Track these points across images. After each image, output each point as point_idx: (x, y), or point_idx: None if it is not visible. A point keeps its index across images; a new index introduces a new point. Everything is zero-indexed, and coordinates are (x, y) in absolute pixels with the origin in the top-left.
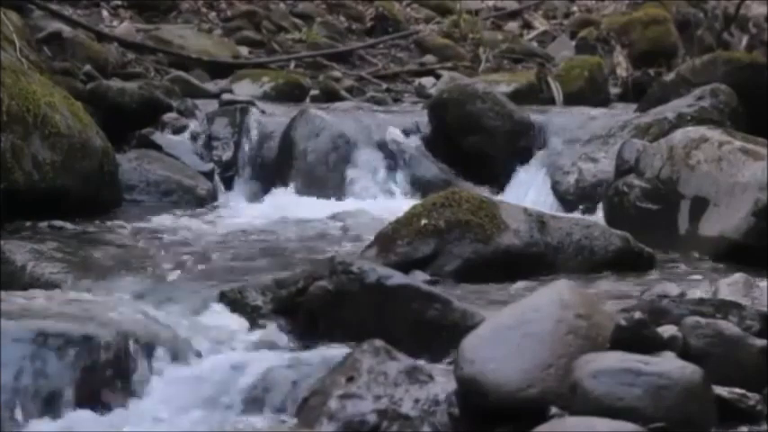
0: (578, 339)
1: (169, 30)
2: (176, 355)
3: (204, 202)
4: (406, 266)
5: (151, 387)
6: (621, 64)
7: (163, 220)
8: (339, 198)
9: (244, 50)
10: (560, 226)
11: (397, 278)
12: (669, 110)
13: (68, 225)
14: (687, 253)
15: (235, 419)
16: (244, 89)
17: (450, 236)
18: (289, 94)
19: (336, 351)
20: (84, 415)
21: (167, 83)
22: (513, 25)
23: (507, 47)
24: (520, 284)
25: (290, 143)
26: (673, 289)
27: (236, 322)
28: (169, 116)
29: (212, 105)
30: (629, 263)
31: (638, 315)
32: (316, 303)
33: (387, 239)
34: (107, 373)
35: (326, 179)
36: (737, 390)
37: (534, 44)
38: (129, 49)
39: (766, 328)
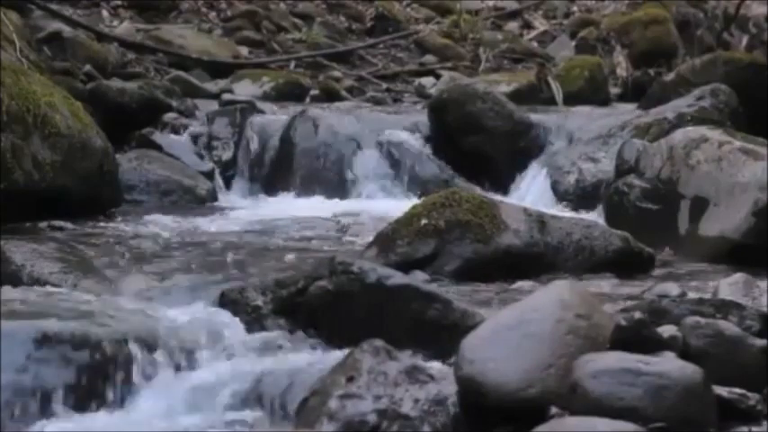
0: (578, 339)
1: (169, 30)
2: (176, 356)
3: (204, 202)
4: (406, 266)
5: (151, 387)
6: (621, 64)
7: (163, 220)
8: (339, 198)
9: (244, 50)
10: (560, 226)
11: (397, 278)
12: (669, 110)
13: (68, 225)
14: (687, 253)
15: (234, 420)
16: (244, 89)
17: (450, 236)
18: (289, 94)
19: (336, 351)
20: (83, 415)
21: (167, 83)
22: (513, 25)
23: (507, 47)
24: (520, 284)
25: (290, 143)
26: (673, 289)
27: (236, 322)
28: (169, 116)
29: (212, 105)
30: (629, 263)
31: (638, 315)
32: (316, 303)
33: (387, 239)
34: (106, 373)
35: (326, 179)
36: (737, 390)
37: (534, 44)
38: (129, 49)
39: (766, 328)
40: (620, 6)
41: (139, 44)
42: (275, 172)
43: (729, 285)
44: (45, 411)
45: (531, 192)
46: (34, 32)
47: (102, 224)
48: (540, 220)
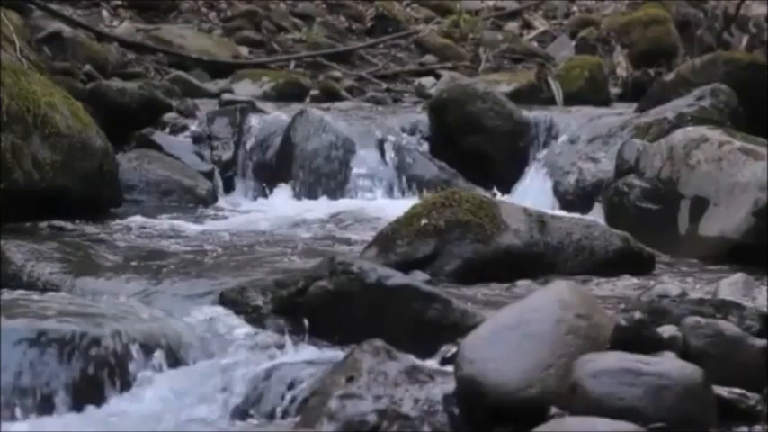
0: (578, 339)
1: (169, 30)
2: (176, 356)
3: (204, 202)
4: (406, 266)
5: (151, 387)
6: (621, 64)
7: (163, 220)
8: (339, 198)
9: (244, 50)
10: (560, 226)
11: (397, 278)
12: (669, 110)
13: (68, 225)
14: (687, 253)
15: (235, 420)
16: (244, 89)
17: (451, 236)
18: (289, 94)
19: (336, 351)
20: (83, 414)
21: (167, 83)
22: (513, 25)
23: (507, 47)
24: (520, 284)
25: (290, 143)
26: (673, 289)
27: (236, 322)
28: (169, 116)
29: (212, 105)
30: (629, 263)
31: (638, 315)
32: (316, 303)
33: (387, 239)
34: (106, 374)
35: (326, 179)
36: (737, 390)
37: (534, 44)
38: (129, 49)
39: (766, 328)
40: (620, 6)
41: (139, 44)
42: (275, 172)
43: (729, 285)
44: (45, 411)
45: (531, 192)
46: (34, 32)
47: (102, 224)
48: (540, 220)
